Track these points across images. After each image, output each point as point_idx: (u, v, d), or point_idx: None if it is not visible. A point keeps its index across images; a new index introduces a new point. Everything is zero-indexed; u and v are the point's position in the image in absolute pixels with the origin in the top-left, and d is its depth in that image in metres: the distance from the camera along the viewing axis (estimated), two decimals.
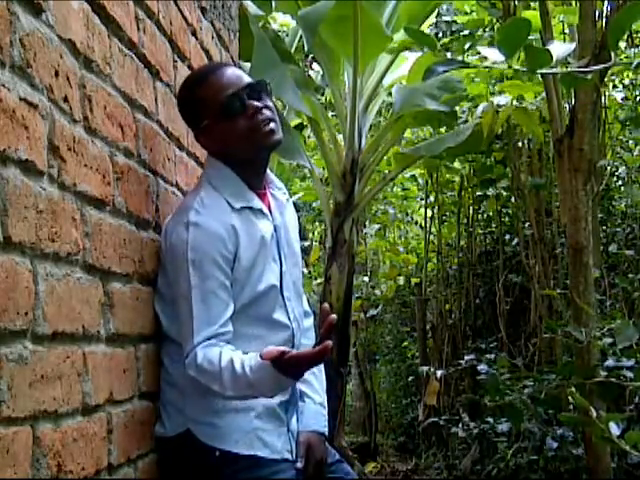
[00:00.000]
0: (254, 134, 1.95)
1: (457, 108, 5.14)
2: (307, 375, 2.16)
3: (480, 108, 4.41)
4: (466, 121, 5.24)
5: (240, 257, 1.92)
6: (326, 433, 2.14)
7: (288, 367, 1.74)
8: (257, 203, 2.01)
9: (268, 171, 2.11)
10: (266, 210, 2.04)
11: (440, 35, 6.27)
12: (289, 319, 2.04)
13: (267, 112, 1.96)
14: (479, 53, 4.56)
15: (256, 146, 1.97)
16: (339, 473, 2.13)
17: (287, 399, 2.03)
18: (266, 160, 2.07)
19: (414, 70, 4.62)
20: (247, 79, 2.01)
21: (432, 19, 5.76)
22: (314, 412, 2.14)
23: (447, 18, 6.69)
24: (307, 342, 2.16)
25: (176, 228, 1.91)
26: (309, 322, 2.24)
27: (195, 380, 1.88)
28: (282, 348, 1.77)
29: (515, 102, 4.19)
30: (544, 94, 3.79)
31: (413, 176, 6.67)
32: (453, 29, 6.88)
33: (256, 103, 1.96)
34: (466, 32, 5.55)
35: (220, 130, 1.96)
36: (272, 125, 1.96)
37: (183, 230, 1.88)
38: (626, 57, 3.45)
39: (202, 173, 2.11)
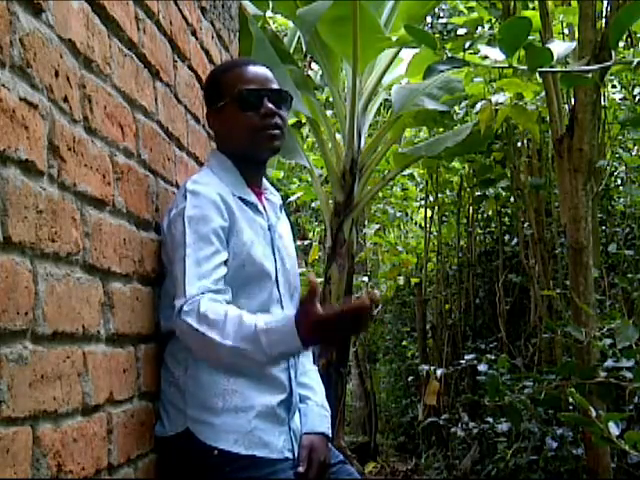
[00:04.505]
0: (258, 132, 2.04)
1: (454, 108, 5.14)
2: (308, 380, 2.18)
3: (478, 106, 4.41)
4: (465, 121, 5.24)
5: (238, 232, 1.96)
6: (329, 435, 2.14)
7: (313, 330, 1.71)
8: (253, 198, 2.08)
9: (264, 179, 2.19)
10: (261, 208, 2.10)
11: (437, 36, 6.27)
12: None
13: (278, 119, 2.06)
14: (478, 52, 4.56)
15: (255, 144, 2.05)
16: (342, 474, 2.13)
17: (286, 398, 2.03)
18: (264, 161, 2.16)
19: (413, 65, 4.62)
20: (275, 85, 2.10)
21: (428, 20, 5.77)
22: (317, 414, 2.14)
23: (443, 19, 6.70)
24: None
25: (176, 202, 1.96)
26: None
27: (196, 379, 1.88)
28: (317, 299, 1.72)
29: (514, 100, 4.19)
30: (544, 94, 3.79)
31: (412, 175, 6.67)
32: (449, 29, 6.90)
33: (271, 106, 2.04)
34: (463, 31, 5.55)
35: (231, 116, 2.05)
36: (277, 132, 2.05)
37: (182, 200, 1.93)
38: (623, 58, 3.45)
39: (202, 164, 2.16)
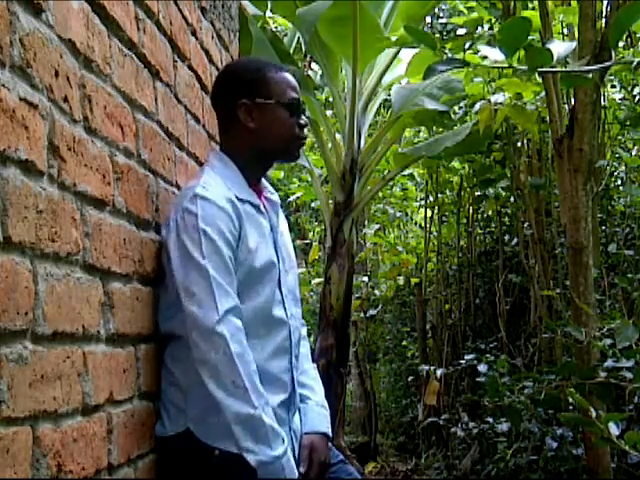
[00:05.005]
0: (296, 140, 2.12)
1: (452, 108, 5.14)
2: (307, 379, 2.19)
3: (477, 106, 4.41)
4: (464, 121, 5.24)
5: (244, 238, 1.97)
6: (330, 434, 2.14)
7: None
8: (256, 200, 2.08)
9: (262, 179, 2.21)
10: (263, 209, 2.10)
11: (436, 36, 6.27)
12: (286, 316, 2.06)
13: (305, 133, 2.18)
14: (477, 52, 4.56)
15: (289, 149, 2.12)
16: (342, 474, 2.14)
17: (287, 398, 2.04)
18: (270, 166, 2.22)
19: (413, 65, 4.62)
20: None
21: (428, 20, 5.76)
22: (317, 414, 2.15)
23: (443, 19, 6.70)
24: (302, 350, 2.20)
25: (182, 204, 1.94)
26: (303, 332, 2.25)
27: (197, 379, 1.87)
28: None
29: (514, 100, 4.19)
30: (543, 94, 3.79)
31: (411, 175, 6.66)
32: (448, 29, 6.89)
33: (306, 120, 2.15)
34: (463, 31, 5.55)
35: (276, 117, 2.08)
36: (303, 144, 2.17)
37: (191, 204, 1.92)
38: (622, 58, 3.45)
39: (204, 165, 2.15)
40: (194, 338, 1.85)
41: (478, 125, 4.38)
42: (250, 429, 1.83)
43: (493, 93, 4.37)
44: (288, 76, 2.14)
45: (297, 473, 1.92)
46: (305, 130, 2.15)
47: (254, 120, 2.07)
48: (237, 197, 2.00)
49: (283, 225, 2.21)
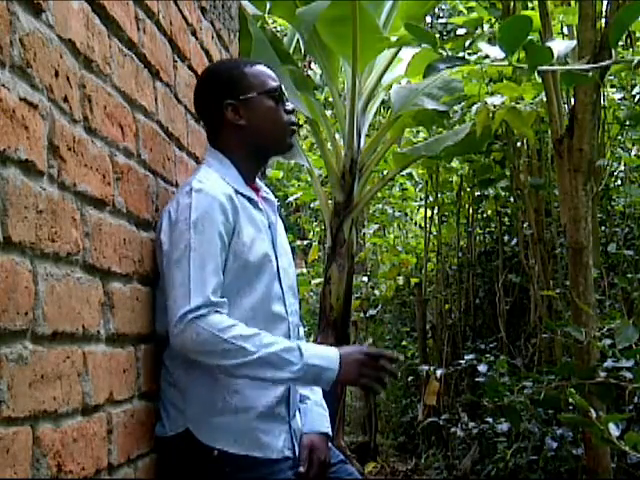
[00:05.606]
0: (287, 126, 2.13)
1: (452, 108, 5.13)
2: None
3: (474, 108, 4.41)
4: (463, 121, 5.24)
5: (239, 232, 1.97)
6: (330, 434, 2.15)
7: (357, 359, 1.92)
8: (254, 196, 2.10)
9: (257, 178, 2.21)
10: (261, 206, 2.11)
11: (437, 36, 6.28)
12: (286, 312, 2.06)
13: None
14: (477, 52, 4.56)
15: (282, 137, 2.13)
16: (342, 474, 2.14)
17: (283, 394, 2.03)
18: (266, 159, 2.23)
19: (413, 65, 4.61)
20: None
21: (427, 20, 5.76)
22: (317, 413, 2.16)
23: (443, 19, 6.70)
24: None
25: (177, 199, 1.95)
26: (301, 332, 2.25)
27: (196, 379, 1.88)
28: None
29: (512, 103, 4.18)
30: (543, 95, 3.79)
31: (410, 175, 6.66)
32: (448, 29, 6.90)
33: (292, 105, 2.17)
34: (463, 31, 5.56)
35: (263, 109, 2.10)
36: (295, 128, 2.19)
37: (186, 197, 1.93)
38: (622, 58, 3.44)
39: (201, 163, 2.16)
40: (170, 333, 1.86)
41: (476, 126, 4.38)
42: (267, 366, 1.85)
43: (491, 94, 4.36)
44: (263, 67, 2.17)
45: (331, 355, 1.92)
46: (293, 115, 2.16)
47: (242, 117, 2.09)
48: (235, 190, 2.01)
49: (280, 224, 2.21)
